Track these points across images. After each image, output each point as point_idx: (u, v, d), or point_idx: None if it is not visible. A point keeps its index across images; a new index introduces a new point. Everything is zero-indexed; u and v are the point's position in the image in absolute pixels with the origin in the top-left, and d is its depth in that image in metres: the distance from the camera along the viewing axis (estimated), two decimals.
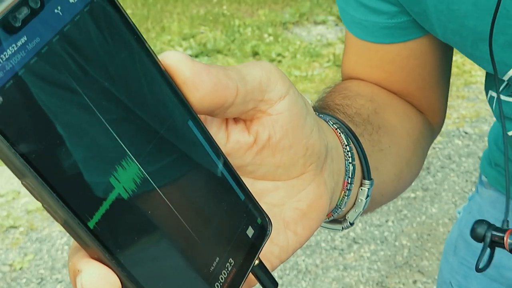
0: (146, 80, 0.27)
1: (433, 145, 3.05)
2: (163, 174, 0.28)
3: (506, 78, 0.56)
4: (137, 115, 0.27)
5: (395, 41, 0.61)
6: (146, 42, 0.27)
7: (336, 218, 0.48)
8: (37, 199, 0.24)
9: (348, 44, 0.65)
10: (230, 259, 0.30)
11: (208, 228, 0.30)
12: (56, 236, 2.44)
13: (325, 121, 0.45)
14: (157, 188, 0.27)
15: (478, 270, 0.50)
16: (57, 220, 0.24)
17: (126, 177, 0.26)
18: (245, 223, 0.32)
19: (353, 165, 0.44)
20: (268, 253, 0.36)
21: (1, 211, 2.58)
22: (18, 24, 0.22)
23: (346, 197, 0.44)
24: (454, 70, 3.58)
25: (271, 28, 4.56)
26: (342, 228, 0.49)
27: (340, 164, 0.43)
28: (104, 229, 0.25)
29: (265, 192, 0.37)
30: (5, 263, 2.30)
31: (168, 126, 0.28)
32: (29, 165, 0.22)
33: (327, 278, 2.23)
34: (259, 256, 0.32)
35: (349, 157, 0.44)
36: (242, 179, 0.33)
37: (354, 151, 0.46)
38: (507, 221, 0.50)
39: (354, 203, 0.47)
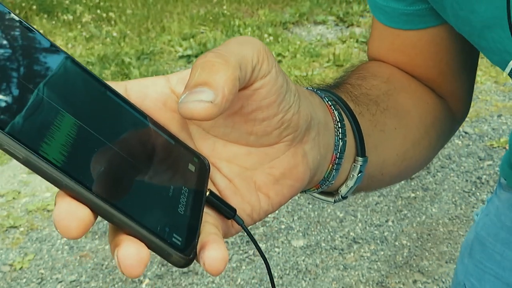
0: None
1: None
2: (109, 132, 0.34)
3: (508, 70, 0.56)
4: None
5: (414, 27, 0.61)
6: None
7: (329, 191, 0.50)
8: None
9: (373, 27, 0.66)
10: (183, 187, 0.36)
11: (156, 164, 0.35)
12: (56, 236, 2.44)
13: (321, 97, 0.47)
14: (109, 144, 0.33)
15: None
16: (19, 160, 0.29)
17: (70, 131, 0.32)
18: (184, 161, 0.37)
19: (344, 141, 0.46)
20: (240, 210, 0.38)
21: (1, 211, 2.58)
22: None
23: (335, 171, 0.46)
24: None
25: (271, 28, 4.56)
26: (334, 201, 0.51)
27: (329, 139, 0.45)
28: (64, 160, 0.30)
29: (237, 156, 0.39)
30: (5, 263, 2.30)
31: (104, 107, 0.35)
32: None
33: (327, 278, 2.23)
34: (209, 188, 0.37)
35: (340, 133, 0.46)
36: (217, 140, 0.39)
37: (348, 128, 0.48)
38: None
39: (347, 178, 0.49)
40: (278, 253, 2.34)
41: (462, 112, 0.69)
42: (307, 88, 0.47)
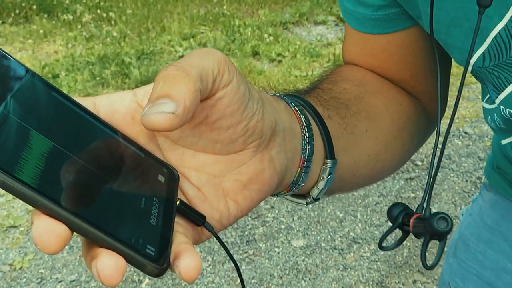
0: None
1: (433, 145, 3.05)
2: (80, 148, 0.35)
3: (470, 69, 0.57)
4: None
5: (383, 32, 0.62)
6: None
7: (300, 193, 0.52)
8: None
9: (346, 32, 0.68)
10: (154, 198, 0.37)
11: (127, 178, 0.37)
12: None
13: (287, 103, 0.48)
14: (80, 160, 0.34)
15: (381, 247, 0.53)
16: None
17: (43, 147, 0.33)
18: (154, 172, 0.38)
19: (311, 145, 0.48)
20: (209, 217, 0.40)
21: (1, 210, 2.58)
22: None
23: (304, 174, 0.48)
24: (454, 70, 3.57)
25: (271, 28, 4.56)
26: (307, 203, 0.52)
27: (295, 143, 0.46)
28: (38, 180, 0.31)
29: (205, 164, 0.41)
30: (5, 262, 2.30)
31: (73, 122, 0.36)
32: None
33: (327, 278, 2.23)
34: (179, 197, 0.39)
35: (307, 137, 0.48)
36: (185, 150, 0.40)
37: (316, 132, 0.50)
38: (423, 206, 0.53)
39: (317, 180, 0.51)
40: (278, 253, 2.34)
41: (437, 112, 0.70)
42: (273, 95, 0.49)
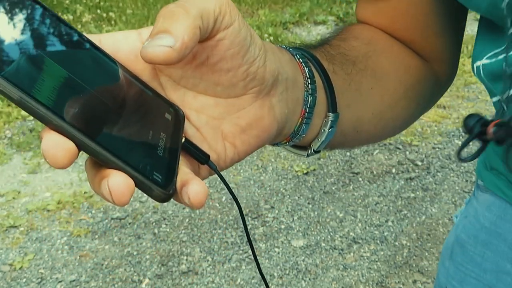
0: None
1: (433, 145, 3.05)
2: (94, 80, 0.37)
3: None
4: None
5: None
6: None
7: (301, 145, 0.52)
8: None
9: None
10: (162, 133, 0.38)
11: (137, 111, 0.38)
12: (56, 236, 2.44)
13: (292, 54, 0.49)
14: (91, 89, 0.36)
15: (460, 159, 0.52)
16: (13, 101, 0.32)
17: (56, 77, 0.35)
18: (161, 109, 0.40)
19: (314, 97, 0.48)
20: None
21: (1, 210, 2.58)
22: None
23: (305, 125, 0.48)
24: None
25: (271, 28, 4.56)
26: (307, 154, 0.53)
27: (298, 94, 0.47)
28: (53, 101, 0.33)
29: (205, 106, 0.42)
30: (5, 262, 2.30)
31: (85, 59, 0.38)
32: None
33: (327, 278, 2.23)
34: (185, 135, 0.40)
35: (309, 89, 0.48)
36: (186, 91, 0.41)
37: (320, 85, 0.50)
38: (502, 111, 0.50)
39: (319, 133, 0.52)
40: (278, 253, 2.34)
41: (447, 74, 0.69)
42: (279, 46, 0.49)
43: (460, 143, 3.04)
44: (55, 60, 0.35)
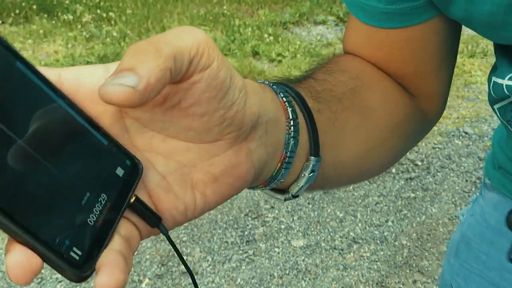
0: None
1: (433, 145, 3.05)
2: (24, 129, 0.31)
3: None
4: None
5: (394, 26, 0.60)
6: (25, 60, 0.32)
7: (279, 188, 0.48)
8: None
9: (349, 23, 0.64)
10: (103, 194, 0.33)
11: (73, 169, 0.32)
12: None
13: (276, 93, 0.45)
14: (16, 138, 0.30)
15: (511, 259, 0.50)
16: None
17: None
18: (113, 164, 0.34)
19: (296, 140, 0.45)
20: (172, 208, 0.37)
21: None
22: None
23: (284, 170, 0.45)
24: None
25: (271, 28, 4.56)
26: (285, 198, 0.49)
27: (278, 137, 0.43)
28: None
29: (176, 151, 0.38)
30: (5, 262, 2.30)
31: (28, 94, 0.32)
32: None
33: (327, 278, 2.23)
34: (137, 194, 0.35)
35: (291, 131, 0.44)
36: (154, 134, 0.37)
37: (303, 126, 0.46)
38: None
39: (298, 177, 0.48)
40: (278, 253, 2.34)
41: (435, 111, 0.67)
42: (262, 82, 0.46)
43: (460, 143, 3.04)
44: None
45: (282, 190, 0.50)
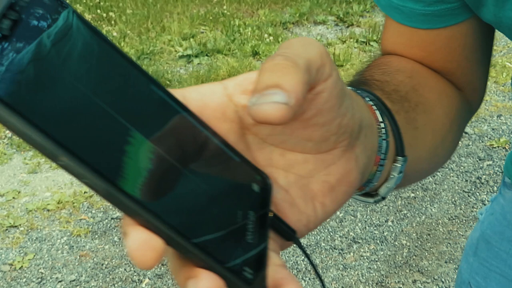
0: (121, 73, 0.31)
1: None
2: (183, 155, 0.31)
3: None
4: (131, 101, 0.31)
5: (433, 27, 0.60)
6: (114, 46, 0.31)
7: (368, 192, 0.49)
8: (75, 176, 0.26)
9: (387, 24, 0.65)
10: (250, 211, 0.33)
11: (225, 189, 0.33)
12: (56, 235, 2.44)
13: (362, 97, 0.45)
14: (180, 167, 0.31)
15: None
16: (98, 193, 0.27)
17: (141, 150, 0.29)
18: (249, 181, 0.34)
19: (387, 142, 0.45)
20: (297, 222, 0.37)
21: (1, 210, 2.59)
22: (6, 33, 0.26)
23: (378, 172, 0.45)
24: None
25: (271, 28, 4.57)
26: (374, 201, 0.50)
27: (373, 141, 0.43)
28: (144, 196, 0.28)
29: (294, 164, 0.37)
30: (5, 262, 2.31)
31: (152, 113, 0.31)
32: (63, 147, 0.25)
33: (327, 278, 2.23)
34: (271, 209, 0.35)
35: (383, 133, 0.45)
36: (273, 148, 0.37)
37: (389, 128, 0.47)
38: None
39: (387, 178, 0.48)
40: None
41: (477, 102, 0.69)
42: (352, 89, 0.46)
43: (460, 143, 3.04)
44: (143, 132, 0.29)
45: (369, 194, 0.50)
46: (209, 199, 0.32)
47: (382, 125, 0.45)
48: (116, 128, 0.28)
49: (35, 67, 0.26)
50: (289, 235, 0.36)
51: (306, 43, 0.34)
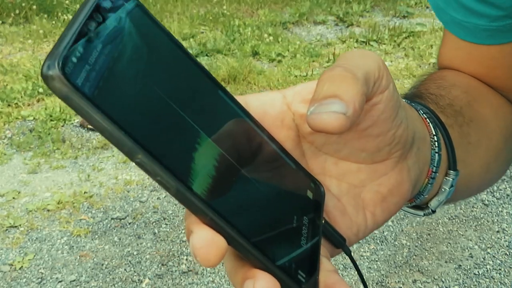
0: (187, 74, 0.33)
1: None
2: (247, 160, 0.33)
3: None
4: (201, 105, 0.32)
5: (496, 42, 0.60)
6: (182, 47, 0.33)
7: (418, 204, 0.49)
8: (149, 174, 0.27)
9: (446, 39, 0.65)
10: (305, 217, 0.34)
11: (282, 194, 0.34)
12: (56, 235, 2.44)
13: (416, 110, 0.46)
14: (242, 170, 0.32)
15: None
16: (169, 191, 0.28)
17: (209, 155, 0.31)
18: (304, 187, 0.36)
19: (439, 155, 0.45)
20: (347, 230, 0.38)
21: (1, 210, 2.59)
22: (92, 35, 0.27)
23: (430, 185, 0.45)
24: None
25: (271, 28, 4.57)
26: (424, 214, 0.50)
27: (426, 153, 0.44)
28: (210, 196, 0.29)
29: (347, 173, 0.38)
30: (5, 262, 2.31)
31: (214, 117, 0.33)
32: (141, 146, 0.27)
33: None
34: (324, 216, 0.36)
35: (435, 146, 0.45)
36: (327, 157, 0.38)
37: (442, 141, 0.47)
38: None
39: (438, 192, 0.48)
40: None
41: None
42: (406, 101, 0.47)
43: None
44: (209, 134, 0.31)
45: (418, 206, 0.50)
46: (267, 202, 0.33)
47: (435, 138, 0.46)
48: (187, 130, 0.30)
49: (118, 67, 0.27)
50: (339, 242, 0.37)
51: (365, 55, 0.35)
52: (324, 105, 0.31)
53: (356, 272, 2.24)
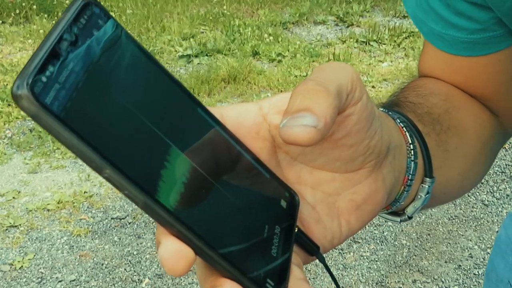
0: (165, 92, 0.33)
1: None
2: (215, 170, 0.33)
3: None
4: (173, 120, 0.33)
5: (474, 54, 0.61)
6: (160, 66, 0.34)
7: (395, 211, 0.50)
8: (117, 188, 0.28)
9: (426, 49, 0.66)
10: (276, 226, 0.35)
11: (254, 204, 0.35)
12: (56, 235, 2.44)
13: (393, 119, 0.47)
14: (213, 182, 0.33)
15: None
16: (137, 205, 0.29)
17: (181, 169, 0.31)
18: (277, 197, 0.37)
19: (415, 163, 0.46)
20: (322, 238, 0.39)
21: (1, 210, 2.59)
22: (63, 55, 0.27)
23: (406, 192, 0.47)
24: None
25: (271, 28, 4.57)
26: (400, 220, 0.51)
27: (402, 161, 0.45)
28: (179, 208, 0.30)
29: (322, 182, 0.39)
30: (5, 262, 2.31)
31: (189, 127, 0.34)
32: (109, 162, 0.27)
33: (327, 277, 2.23)
34: (298, 223, 0.37)
35: (412, 155, 0.46)
36: (303, 166, 0.39)
37: (418, 149, 0.48)
38: None
39: (414, 198, 0.50)
40: None
41: None
42: (383, 111, 0.48)
43: None
44: (181, 147, 0.31)
45: (396, 213, 0.51)
46: (239, 212, 0.34)
47: (412, 146, 0.47)
48: (156, 143, 0.30)
49: (87, 85, 0.28)
50: (313, 250, 0.38)
51: (339, 68, 0.36)
52: (296, 119, 0.32)
53: (356, 272, 2.24)
